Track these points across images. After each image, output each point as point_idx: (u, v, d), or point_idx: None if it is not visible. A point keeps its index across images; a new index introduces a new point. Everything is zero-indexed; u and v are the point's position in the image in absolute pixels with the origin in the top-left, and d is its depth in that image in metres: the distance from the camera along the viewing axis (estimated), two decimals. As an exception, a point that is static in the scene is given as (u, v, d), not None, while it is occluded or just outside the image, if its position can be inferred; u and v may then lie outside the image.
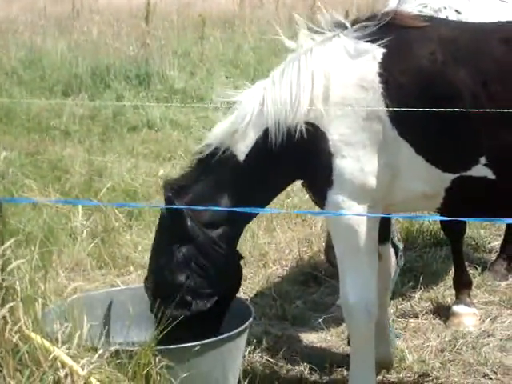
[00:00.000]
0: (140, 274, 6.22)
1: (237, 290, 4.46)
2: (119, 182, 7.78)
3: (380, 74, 3.95)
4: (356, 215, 4.05)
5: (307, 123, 4.05)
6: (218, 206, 4.16)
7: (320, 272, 6.27)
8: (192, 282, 4.18)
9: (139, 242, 6.63)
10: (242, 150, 4.20)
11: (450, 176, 3.92)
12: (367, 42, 4.03)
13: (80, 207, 6.57)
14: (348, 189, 4.02)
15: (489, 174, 3.83)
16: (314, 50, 4.11)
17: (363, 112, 3.94)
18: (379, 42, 3.99)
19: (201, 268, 4.21)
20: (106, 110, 10.76)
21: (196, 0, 21.07)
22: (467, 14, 5.24)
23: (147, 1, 13.83)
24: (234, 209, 3.96)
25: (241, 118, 4.19)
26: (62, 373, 3.62)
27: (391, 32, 4.02)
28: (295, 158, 4.14)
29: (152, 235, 6.67)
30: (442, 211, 4.21)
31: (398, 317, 5.61)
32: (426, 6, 5.29)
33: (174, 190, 4.24)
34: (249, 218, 4.40)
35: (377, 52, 3.99)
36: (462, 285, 5.65)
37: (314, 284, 6.19)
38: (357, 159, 3.97)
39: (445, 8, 5.31)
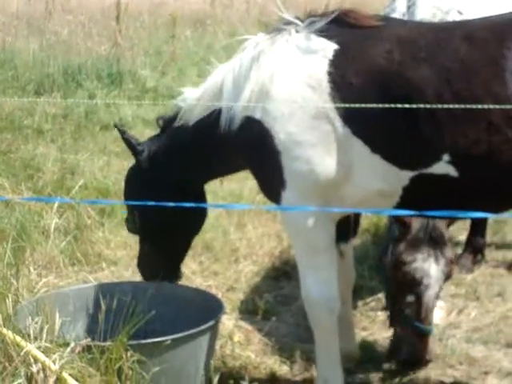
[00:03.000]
0: (112, 270, 6.28)
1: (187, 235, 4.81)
2: (91, 180, 7.81)
3: (329, 73, 3.87)
4: (324, 210, 4.04)
5: (252, 119, 4.02)
6: (167, 162, 4.54)
7: (290, 267, 6.35)
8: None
9: (111, 239, 6.68)
10: (191, 122, 4.38)
11: (409, 174, 3.83)
12: (319, 38, 3.96)
13: (55, 204, 6.62)
14: (300, 189, 3.97)
15: (451, 171, 3.75)
16: (267, 46, 4.07)
17: (312, 110, 3.86)
18: (331, 40, 3.93)
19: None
20: (79, 109, 10.75)
21: (167, -1, 21.09)
22: (469, 14, 5.19)
23: (117, 0, 13.83)
24: (208, 204, 4.00)
25: (201, 93, 4.34)
26: (34, 368, 3.66)
27: (345, 30, 3.97)
28: (239, 150, 4.19)
29: (124, 232, 6.79)
30: (399, 209, 4.11)
31: (366, 310, 5.72)
32: (439, 8, 5.30)
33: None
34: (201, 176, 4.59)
35: (328, 49, 3.92)
36: None
37: (284, 279, 6.27)
38: (307, 159, 3.90)
39: (451, 10, 5.31)
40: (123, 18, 14.75)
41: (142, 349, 3.94)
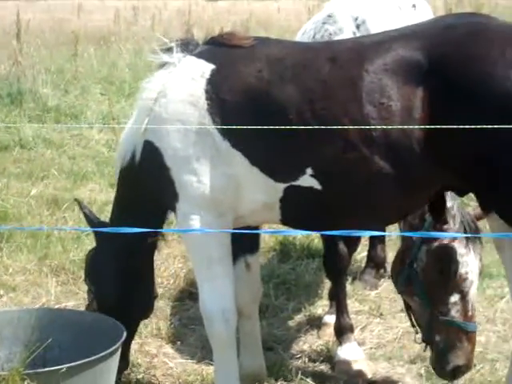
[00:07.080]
0: (11, 296, 6.10)
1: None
2: (-11, 204, 7.61)
3: (206, 91, 4.11)
4: (232, 232, 4.13)
5: (146, 141, 4.25)
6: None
7: (196, 288, 6.27)
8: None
9: (10, 264, 6.51)
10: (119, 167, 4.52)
11: (282, 185, 4.05)
12: (198, 60, 4.21)
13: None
14: (191, 200, 4.15)
15: (315, 184, 3.97)
16: (157, 71, 4.32)
17: (194, 126, 4.08)
18: (209, 61, 4.17)
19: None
20: (-23, 130, 10.51)
21: (70, 16, 20.90)
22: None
23: (18, 18, 13.61)
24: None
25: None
26: None
27: (222, 51, 4.23)
28: (146, 178, 4.31)
29: (23, 257, 6.62)
30: (284, 223, 4.32)
31: (271, 330, 5.68)
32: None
33: None
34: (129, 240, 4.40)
35: (206, 69, 4.16)
36: (343, 328, 5.24)
37: (189, 300, 6.20)
38: (193, 172, 4.10)
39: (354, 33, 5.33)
40: (24, 35, 14.52)
41: (39, 378, 3.84)
